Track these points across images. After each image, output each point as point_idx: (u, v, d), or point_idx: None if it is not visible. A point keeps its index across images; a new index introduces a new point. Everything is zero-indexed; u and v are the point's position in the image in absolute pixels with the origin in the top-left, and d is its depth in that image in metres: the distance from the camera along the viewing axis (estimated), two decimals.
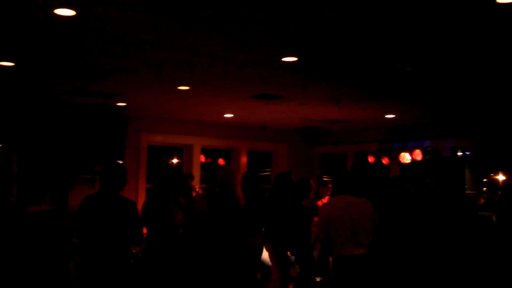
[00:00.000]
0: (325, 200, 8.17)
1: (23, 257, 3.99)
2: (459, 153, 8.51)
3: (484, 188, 9.10)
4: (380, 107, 7.44)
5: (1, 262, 3.80)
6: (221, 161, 10.36)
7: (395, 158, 8.86)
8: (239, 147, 10.44)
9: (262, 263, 5.91)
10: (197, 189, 8.10)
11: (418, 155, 8.53)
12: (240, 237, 4.97)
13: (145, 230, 6.09)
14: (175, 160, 9.83)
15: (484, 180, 9.15)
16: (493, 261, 3.51)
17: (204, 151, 10.08)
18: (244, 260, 4.94)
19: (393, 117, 8.43)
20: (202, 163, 9.90)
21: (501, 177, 8.48)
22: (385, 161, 9.00)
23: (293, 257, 5.47)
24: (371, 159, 9.22)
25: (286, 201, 5.47)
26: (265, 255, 5.68)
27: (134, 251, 5.94)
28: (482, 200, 8.41)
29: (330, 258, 4.91)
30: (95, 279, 3.98)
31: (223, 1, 3.20)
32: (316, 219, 6.32)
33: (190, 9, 3.35)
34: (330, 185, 8.41)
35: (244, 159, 10.48)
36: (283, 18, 3.53)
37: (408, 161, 8.66)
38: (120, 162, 8.21)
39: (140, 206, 8.62)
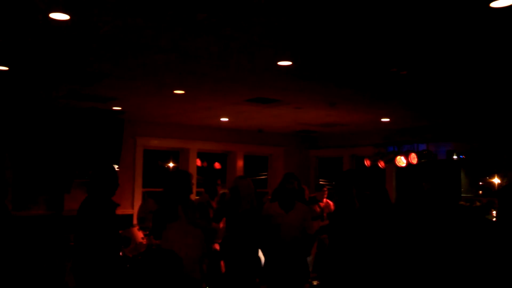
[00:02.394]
0: (324, 203, 8.19)
1: (15, 260, 4.01)
2: (454, 157, 8.55)
3: (480, 191, 9.12)
4: (375, 110, 7.46)
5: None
6: (217, 165, 10.36)
7: (390, 161, 8.88)
8: (235, 151, 10.44)
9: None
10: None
11: (414, 158, 8.56)
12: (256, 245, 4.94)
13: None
14: (171, 164, 9.82)
15: (480, 183, 9.17)
16: (497, 263, 3.49)
17: (200, 155, 10.07)
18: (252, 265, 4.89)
19: (389, 121, 8.45)
20: (198, 167, 9.89)
21: (496, 180, 8.50)
22: (381, 164, 9.03)
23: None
24: (367, 162, 9.25)
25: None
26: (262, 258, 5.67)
27: (130, 256, 5.93)
28: (478, 203, 8.43)
29: None
30: (87, 283, 3.99)
31: (219, 5, 3.21)
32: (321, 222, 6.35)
33: (186, 13, 3.35)
34: (325, 189, 8.43)
35: (240, 163, 10.47)
36: (278, 23, 3.53)
37: (403, 165, 8.69)
38: (116, 166, 8.21)
39: (136, 209, 8.63)
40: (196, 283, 4.49)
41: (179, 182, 4.64)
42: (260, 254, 5.60)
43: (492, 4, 3.10)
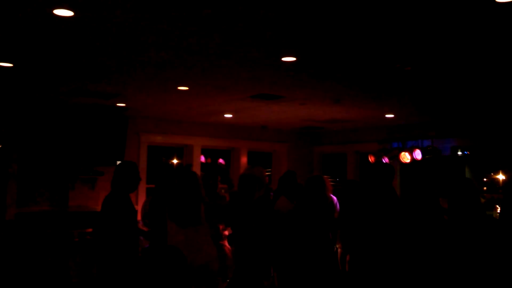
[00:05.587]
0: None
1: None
2: (459, 153, 8.51)
3: (485, 188, 9.08)
4: (379, 106, 7.44)
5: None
6: (221, 161, 10.36)
7: (395, 157, 8.86)
8: (239, 147, 10.44)
9: None
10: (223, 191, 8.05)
11: (418, 154, 8.53)
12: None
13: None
14: (175, 161, 9.83)
15: (484, 179, 9.13)
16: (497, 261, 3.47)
17: (204, 151, 10.07)
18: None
19: (393, 117, 8.43)
20: (202, 163, 9.90)
21: (501, 176, 8.46)
22: (385, 160, 9.00)
23: None
24: (371, 158, 9.23)
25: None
26: None
27: None
28: (482, 200, 8.40)
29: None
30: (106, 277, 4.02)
31: (223, 2, 3.20)
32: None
33: (191, 8, 3.34)
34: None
35: (244, 159, 10.48)
36: (282, 18, 3.52)
37: (408, 161, 8.67)
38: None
39: (140, 206, 8.64)
40: (214, 276, 4.48)
41: (194, 184, 4.61)
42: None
43: None
